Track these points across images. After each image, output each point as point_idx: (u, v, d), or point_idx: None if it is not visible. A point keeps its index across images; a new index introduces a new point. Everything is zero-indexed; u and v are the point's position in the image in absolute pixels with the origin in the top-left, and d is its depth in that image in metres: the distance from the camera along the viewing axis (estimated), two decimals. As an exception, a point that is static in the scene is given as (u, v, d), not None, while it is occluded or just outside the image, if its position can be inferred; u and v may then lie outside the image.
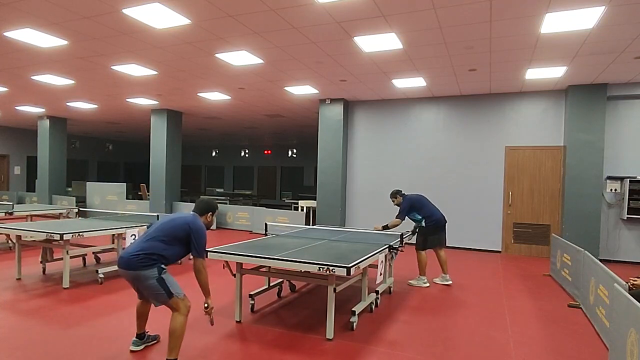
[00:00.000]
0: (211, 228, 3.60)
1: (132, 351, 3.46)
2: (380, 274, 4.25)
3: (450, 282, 5.99)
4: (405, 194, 6.10)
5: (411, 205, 5.90)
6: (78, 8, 4.90)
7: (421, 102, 9.34)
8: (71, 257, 5.45)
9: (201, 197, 3.60)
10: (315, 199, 10.40)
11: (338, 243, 4.83)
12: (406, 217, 5.92)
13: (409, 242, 5.75)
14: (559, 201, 8.26)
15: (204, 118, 13.31)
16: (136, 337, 3.52)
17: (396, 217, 5.85)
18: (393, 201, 6.09)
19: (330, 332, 3.78)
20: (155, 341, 3.66)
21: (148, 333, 3.61)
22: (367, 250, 4.32)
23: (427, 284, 5.86)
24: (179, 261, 3.41)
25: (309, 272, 4.16)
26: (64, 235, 5.05)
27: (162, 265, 3.21)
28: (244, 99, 10.05)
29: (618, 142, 7.86)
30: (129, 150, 22.53)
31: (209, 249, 4.04)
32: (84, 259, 6.70)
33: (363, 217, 9.80)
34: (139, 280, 3.17)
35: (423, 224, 5.94)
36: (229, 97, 9.85)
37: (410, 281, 5.96)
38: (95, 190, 13.40)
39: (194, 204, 3.61)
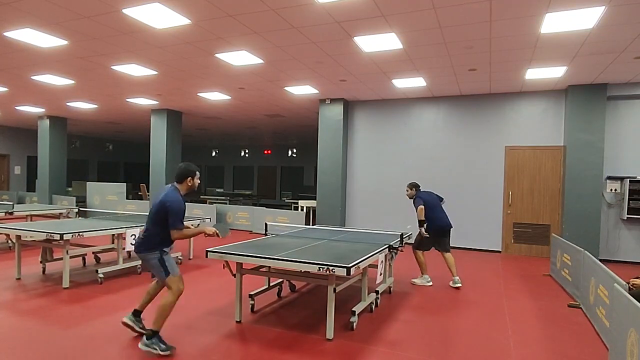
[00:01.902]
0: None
1: (122, 322, 3.67)
2: (380, 274, 4.25)
3: (460, 284, 5.82)
4: (421, 189, 6.10)
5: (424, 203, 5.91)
6: (78, 8, 4.90)
7: (421, 102, 9.34)
8: (71, 257, 5.45)
9: (180, 164, 3.71)
10: (315, 199, 10.40)
11: (338, 243, 4.83)
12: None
13: (409, 242, 5.76)
14: (558, 201, 8.26)
15: (204, 118, 13.31)
16: (132, 313, 3.72)
17: (418, 208, 5.79)
18: (407, 191, 6.12)
19: (330, 332, 3.78)
20: (144, 331, 3.58)
21: (144, 321, 3.74)
22: (367, 250, 4.32)
23: (430, 283, 5.88)
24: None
25: (309, 272, 4.17)
26: (64, 235, 5.05)
27: (164, 249, 3.51)
28: (244, 99, 10.04)
29: (618, 142, 7.86)
30: (129, 150, 22.53)
31: (209, 249, 4.06)
32: (83, 259, 6.70)
33: (363, 217, 9.80)
34: (145, 260, 3.54)
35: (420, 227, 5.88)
36: (229, 97, 9.85)
37: (413, 280, 5.98)
38: (95, 190, 13.40)
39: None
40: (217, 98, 9.93)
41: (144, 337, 3.39)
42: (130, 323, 3.68)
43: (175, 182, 3.59)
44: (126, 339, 3.66)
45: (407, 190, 6.15)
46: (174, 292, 3.45)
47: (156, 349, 3.34)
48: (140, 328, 3.71)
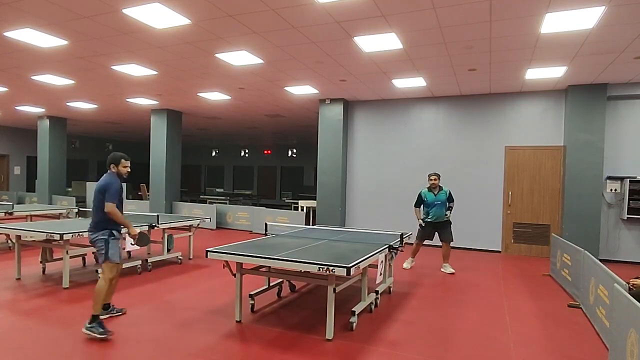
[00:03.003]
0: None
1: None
2: (380, 274, 4.25)
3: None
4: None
5: None
6: (78, 8, 4.90)
7: (421, 102, 9.34)
8: (71, 257, 5.44)
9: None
10: (315, 199, 10.40)
11: (338, 243, 4.83)
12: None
13: (409, 242, 5.76)
14: (558, 201, 8.26)
15: (204, 118, 13.31)
16: (102, 307, 4.01)
17: (452, 202, 6.63)
18: (435, 180, 6.56)
19: (330, 332, 3.78)
20: (120, 313, 4.25)
21: (113, 305, 4.24)
22: (367, 250, 4.32)
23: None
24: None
25: (308, 272, 4.16)
26: (64, 235, 5.05)
27: (113, 231, 3.92)
28: (244, 99, 10.04)
29: (618, 142, 7.85)
30: (129, 150, 22.33)
31: (209, 249, 4.06)
32: (83, 259, 6.69)
33: (363, 217, 9.80)
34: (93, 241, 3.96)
35: (450, 217, 6.65)
36: (229, 97, 9.85)
37: (451, 271, 6.52)
38: (95, 190, 13.36)
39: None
40: (217, 98, 9.93)
41: (86, 322, 3.70)
42: (106, 317, 4.09)
43: (109, 170, 4.03)
44: (125, 339, 3.66)
45: (436, 179, 6.58)
46: (106, 277, 3.85)
47: (94, 333, 3.64)
48: (117, 312, 4.26)
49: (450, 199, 6.61)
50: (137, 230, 4.11)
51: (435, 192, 6.55)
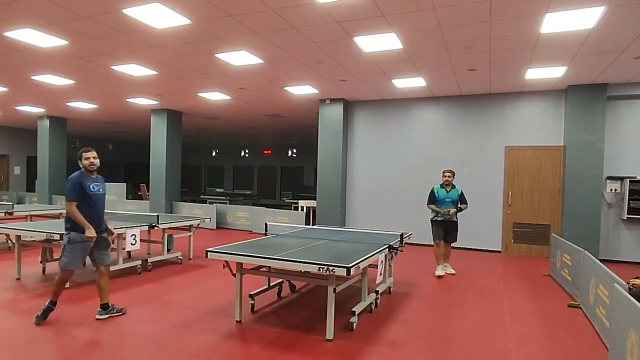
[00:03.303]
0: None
1: (97, 319, 4.06)
2: (380, 274, 4.25)
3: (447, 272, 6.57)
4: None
5: None
6: (78, 8, 4.90)
7: (421, 102, 9.34)
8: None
9: None
10: (315, 199, 10.40)
11: (338, 243, 4.83)
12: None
13: (409, 242, 5.76)
14: (558, 201, 8.26)
15: (204, 118, 13.31)
16: (100, 308, 4.13)
17: (465, 204, 6.55)
18: (450, 177, 6.48)
19: (330, 332, 3.78)
20: (120, 313, 4.22)
21: (113, 305, 4.24)
22: (367, 250, 4.32)
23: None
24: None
25: (309, 272, 4.16)
26: (64, 235, 5.04)
27: (72, 233, 3.90)
28: (244, 99, 10.04)
29: (618, 142, 7.85)
30: (129, 150, 22.51)
31: (209, 249, 4.07)
32: (83, 259, 6.69)
33: (363, 217, 9.79)
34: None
35: (457, 217, 6.57)
36: (229, 97, 9.85)
37: (452, 272, 6.50)
38: (95, 190, 13.35)
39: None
40: (217, 98, 9.93)
41: (47, 302, 3.94)
42: (106, 317, 4.12)
43: None
44: (125, 339, 3.66)
45: (450, 177, 6.51)
46: (61, 278, 3.96)
47: (40, 311, 3.91)
48: (117, 312, 4.23)
49: (463, 200, 6.51)
50: (93, 234, 3.94)
51: (448, 190, 6.49)
